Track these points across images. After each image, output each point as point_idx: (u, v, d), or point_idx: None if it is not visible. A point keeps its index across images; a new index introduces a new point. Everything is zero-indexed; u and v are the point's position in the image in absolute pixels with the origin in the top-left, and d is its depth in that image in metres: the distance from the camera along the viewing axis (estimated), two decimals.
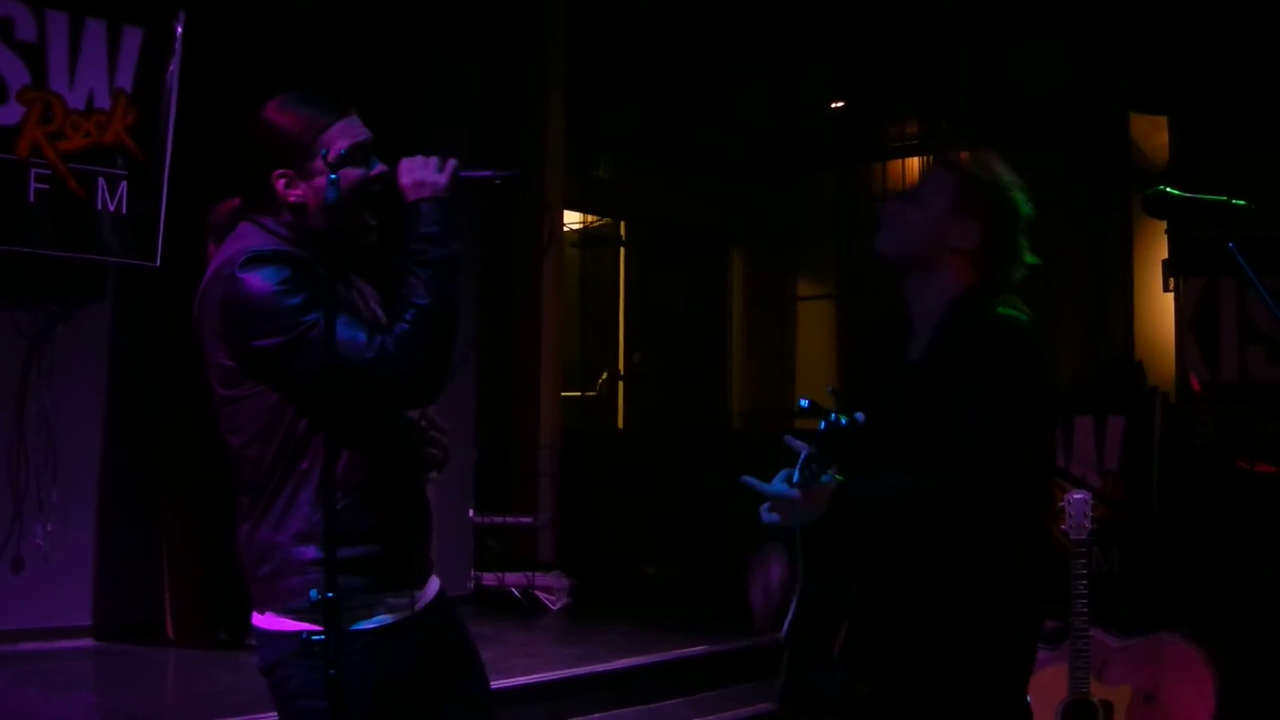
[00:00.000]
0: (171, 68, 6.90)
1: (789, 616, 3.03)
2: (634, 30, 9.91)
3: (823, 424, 2.69)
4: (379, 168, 2.93)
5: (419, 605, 2.91)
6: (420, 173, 2.89)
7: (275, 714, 2.91)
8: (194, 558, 7.04)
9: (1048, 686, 5.18)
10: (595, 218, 12.07)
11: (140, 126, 6.83)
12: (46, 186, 6.54)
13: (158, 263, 6.87)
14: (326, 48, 7.18)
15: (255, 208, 2.92)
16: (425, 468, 3.01)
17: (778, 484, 2.83)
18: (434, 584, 3.04)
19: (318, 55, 7.12)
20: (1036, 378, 2.99)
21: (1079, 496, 5.28)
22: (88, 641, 7.04)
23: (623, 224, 12.21)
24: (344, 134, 2.89)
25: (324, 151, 2.81)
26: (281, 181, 2.87)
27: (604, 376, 11.73)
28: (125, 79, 6.79)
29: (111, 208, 6.74)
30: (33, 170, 6.50)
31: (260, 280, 2.73)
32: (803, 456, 2.73)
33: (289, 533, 2.81)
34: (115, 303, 7.26)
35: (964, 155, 3.25)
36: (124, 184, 6.78)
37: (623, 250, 12.24)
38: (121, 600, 7.20)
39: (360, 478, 2.82)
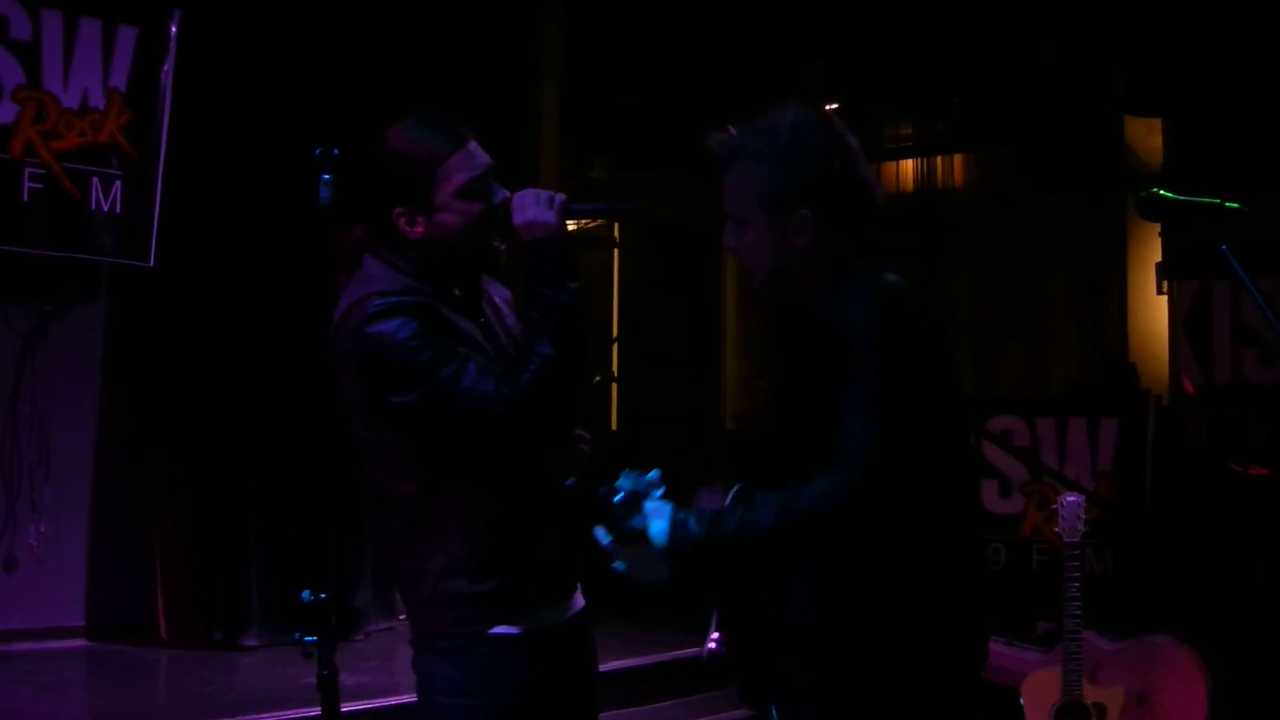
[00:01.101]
0: (166, 67, 6.90)
1: (709, 634, 2.96)
2: (629, 31, 9.91)
3: (602, 495, 2.66)
4: (501, 194, 2.89)
5: (567, 616, 3.01)
6: (531, 211, 2.85)
7: (270, 714, 2.95)
8: (186, 558, 7.04)
9: (1041, 689, 5.19)
10: (589, 219, 12.06)
11: (134, 126, 6.83)
12: (40, 186, 6.54)
13: (151, 262, 6.87)
14: (318, 47, 7.19)
15: (378, 240, 2.88)
16: (567, 478, 3.02)
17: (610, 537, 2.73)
18: (579, 599, 3.09)
19: (310, 54, 7.14)
20: (913, 348, 2.60)
21: (1072, 499, 5.28)
22: (80, 642, 7.04)
23: (617, 225, 12.19)
24: (462, 166, 2.84)
25: (319, 151, 2.80)
26: (403, 220, 2.83)
27: (597, 378, 11.71)
28: (120, 78, 6.79)
29: (105, 207, 6.74)
30: (27, 170, 6.51)
31: (390, 336, 2.72)
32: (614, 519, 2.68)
33: (438, 566, 2.84)
34: (109, 302, 7.27)
35: (715, 137, 2.82)
36: (118, 184, 6.78)
37: (617, 251, 12.22)
38: (114, 600, 7.19)
39: (501, 508, 2.84)
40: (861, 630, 2.66)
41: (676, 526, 2.63)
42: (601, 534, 2.75)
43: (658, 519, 2.65)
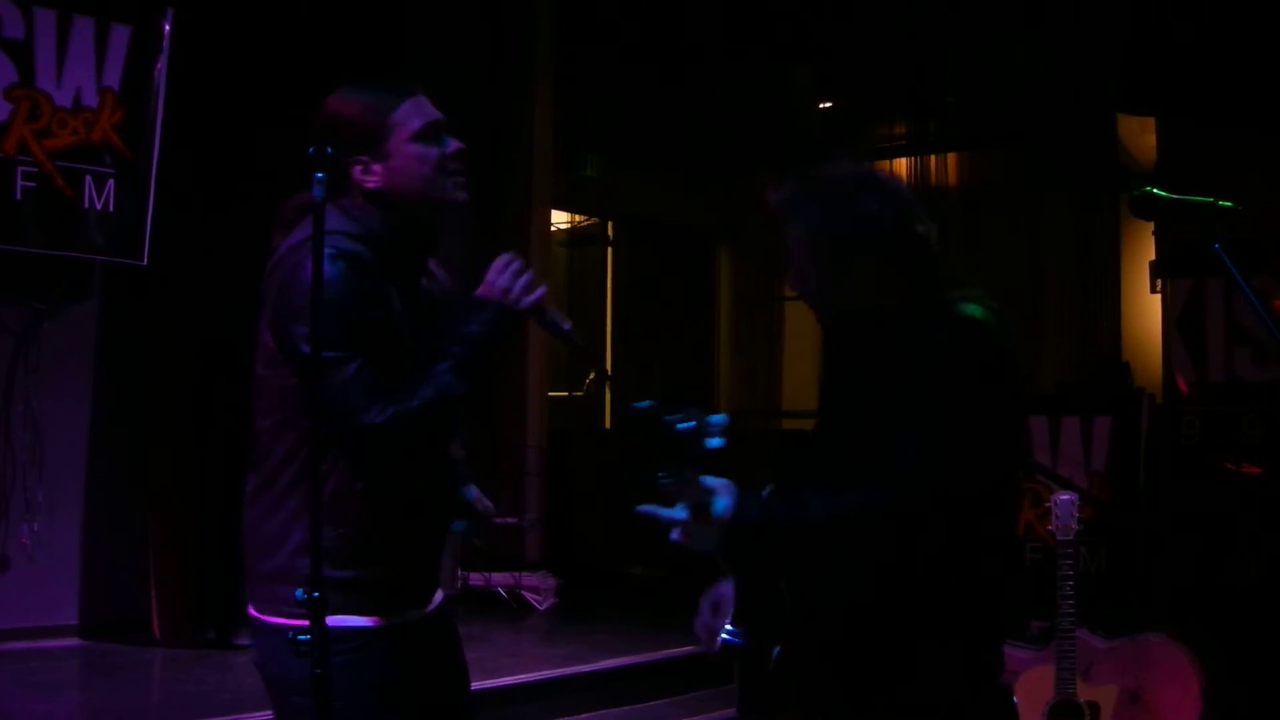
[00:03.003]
0: (159, 66, 6.89)
1: (721, 633, 2.93)
2: (622, 29, 9.91)
3: (664, 428, 2.61)
4: (453, 145, 2.89)
5: (427, 609, 2.94)
6: (508, 280, 2.87)
7: (264, 713, 2.90)
8: (180, 557, 7.03)
9: (1034, 687, 5.19)
10: (583, 217, 12.07)
11: (127, 125, 6.82)
12: (33, 185, 6.53)
13: (145, 261, 6.87)
14: (312, 46, 7.18)
15: (331, 195, 2.81)
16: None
17: (679, 509, 2.64)
18: (439, 593, 3.04)
19: (304, 54, 7.12)
20: (992, 384, 2.66)
21: (1065, 497, 5.28)
22: (74, 641, 7.04)
23: (610, 224, 12.21)
24: (414, 113, 2.86)
25: (312, 149, 2.78)
26: (358, 169, 2.82)
27: (591, 376, 11.73)
28: (113, 77, 6.78)
29: (99, 206, 6.73)
30: (19, 168, 6.49)
31: (326, 279, 2.61)
32: (663, 472, 2.62)
33: (294, 542, 2.77)
34: (102, 301, 7.26)
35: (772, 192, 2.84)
36: (111, 182, 6.77)
37: (610, 250, 12.24)
38: (108, 599, 7.19)
39: (370, 493, 2.79)
40: (900, 634, 2.71)
41: (739, 503, 2.62)
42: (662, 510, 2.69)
43: (723, 495, 2.62)
